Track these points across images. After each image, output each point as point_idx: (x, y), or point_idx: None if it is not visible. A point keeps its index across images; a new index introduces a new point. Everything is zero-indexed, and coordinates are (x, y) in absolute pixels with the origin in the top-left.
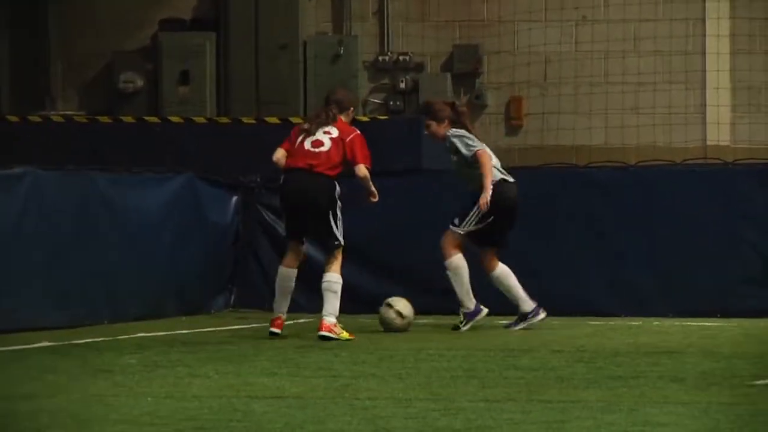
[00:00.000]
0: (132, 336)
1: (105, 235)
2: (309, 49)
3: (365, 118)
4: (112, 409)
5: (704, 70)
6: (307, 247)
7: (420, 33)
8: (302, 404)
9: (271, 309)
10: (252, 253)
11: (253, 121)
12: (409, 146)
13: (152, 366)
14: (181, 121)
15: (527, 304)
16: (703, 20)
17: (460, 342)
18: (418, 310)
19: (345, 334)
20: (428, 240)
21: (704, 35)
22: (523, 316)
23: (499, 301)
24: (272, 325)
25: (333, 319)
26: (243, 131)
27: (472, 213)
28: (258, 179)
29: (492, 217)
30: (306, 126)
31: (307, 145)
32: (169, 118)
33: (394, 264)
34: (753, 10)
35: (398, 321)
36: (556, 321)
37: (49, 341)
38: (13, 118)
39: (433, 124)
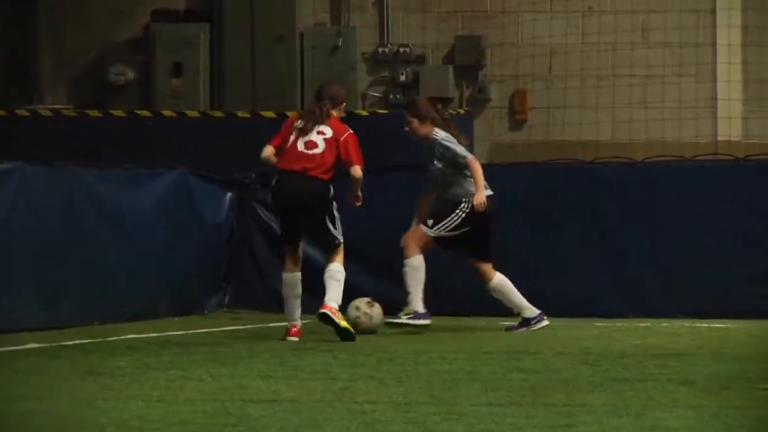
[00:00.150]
0: (123, 337)
1: (95, 232)
2: (306, 41)
3: (364, 112)
4: (101, 413)
5: (715, 62)
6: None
7: (421, 24)
8: (299, 408)
9: (265, 309)
10: (247, 251)
11: (248, 115)
12: (409, 141)
13: (143, 368)
14: (174, 115)
15: (530, 310)
16: (714, 11)
17: (461, 344)
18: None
19: (344, 323)
20: None
21: (715, 26)
22: (526, 322)
23: (499, 301)
24: (289, 334)
25: (335, 305)
26: (238, 125)
27: (450, 218)
28: (253, 175)
29: (468, 227)
30: (300, 124)
31: (300, 146)
32: (162, 111)
33: (393, 261)
34: (764, 0)
35: (364, 320)
36: (559, 322)
37: (37, 342)
38: (1, 113)
39: (415, 122)
